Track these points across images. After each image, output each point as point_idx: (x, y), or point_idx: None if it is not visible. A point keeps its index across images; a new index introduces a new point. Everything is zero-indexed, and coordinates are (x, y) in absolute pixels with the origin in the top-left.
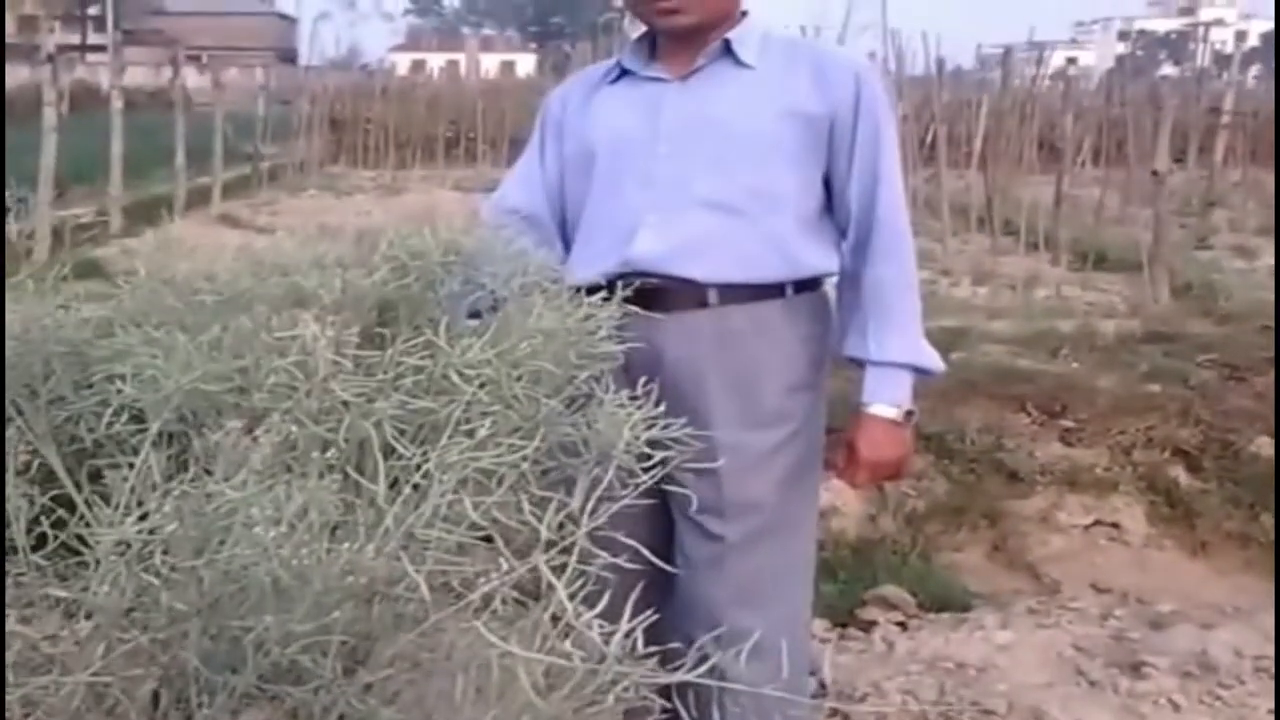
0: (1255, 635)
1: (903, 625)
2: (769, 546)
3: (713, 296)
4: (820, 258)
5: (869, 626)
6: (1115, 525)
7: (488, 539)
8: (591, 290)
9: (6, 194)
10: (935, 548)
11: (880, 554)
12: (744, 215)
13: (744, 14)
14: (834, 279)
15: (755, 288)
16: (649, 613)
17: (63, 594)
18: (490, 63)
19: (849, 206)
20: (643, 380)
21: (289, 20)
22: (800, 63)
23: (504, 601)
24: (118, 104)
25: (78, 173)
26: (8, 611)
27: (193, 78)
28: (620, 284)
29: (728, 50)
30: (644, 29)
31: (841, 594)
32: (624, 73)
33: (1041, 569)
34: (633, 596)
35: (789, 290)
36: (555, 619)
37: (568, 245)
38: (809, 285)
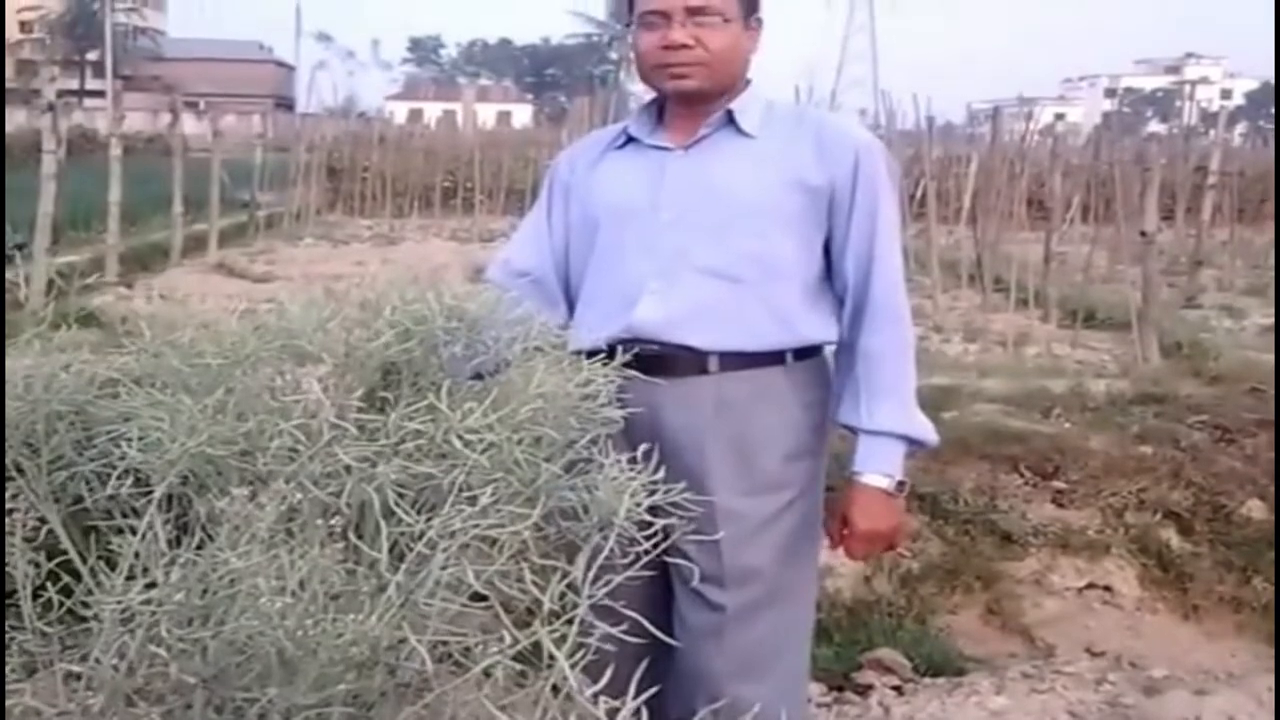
0: (1248, 701)
1: (898, 690)
2: (769, 616)
3: (713, 364)
4: (820, 326)
5: (865, 691)
6: (1108, 588)
7: (489, 605)
8: (593, 355)
9: (6, 241)
10: (930, 610)
11: (876, 616)
12: (744, 283)
13: (747, 83)
14: (833, 346)
15: (756, 355)
16: (651, 690)
17: (69, 667)
18: (487, 113)
19: (846, 277)
20: (643, 447)
21: (287, 68)
22: (803, 133)
23: (506, 672)
24: (116, 152)
25: (74, 219)
26: (14, 681)
27: (190, 124)
28: (621, 349)
29: (730, 120)
30: (652, 95)
31: (838, 657)
32: (630, 139)
33: (1036, 632)
34: (633, 667)
35: (789, 358)
36: (555, 689)
37: (571, 307)
38: (809, 353)
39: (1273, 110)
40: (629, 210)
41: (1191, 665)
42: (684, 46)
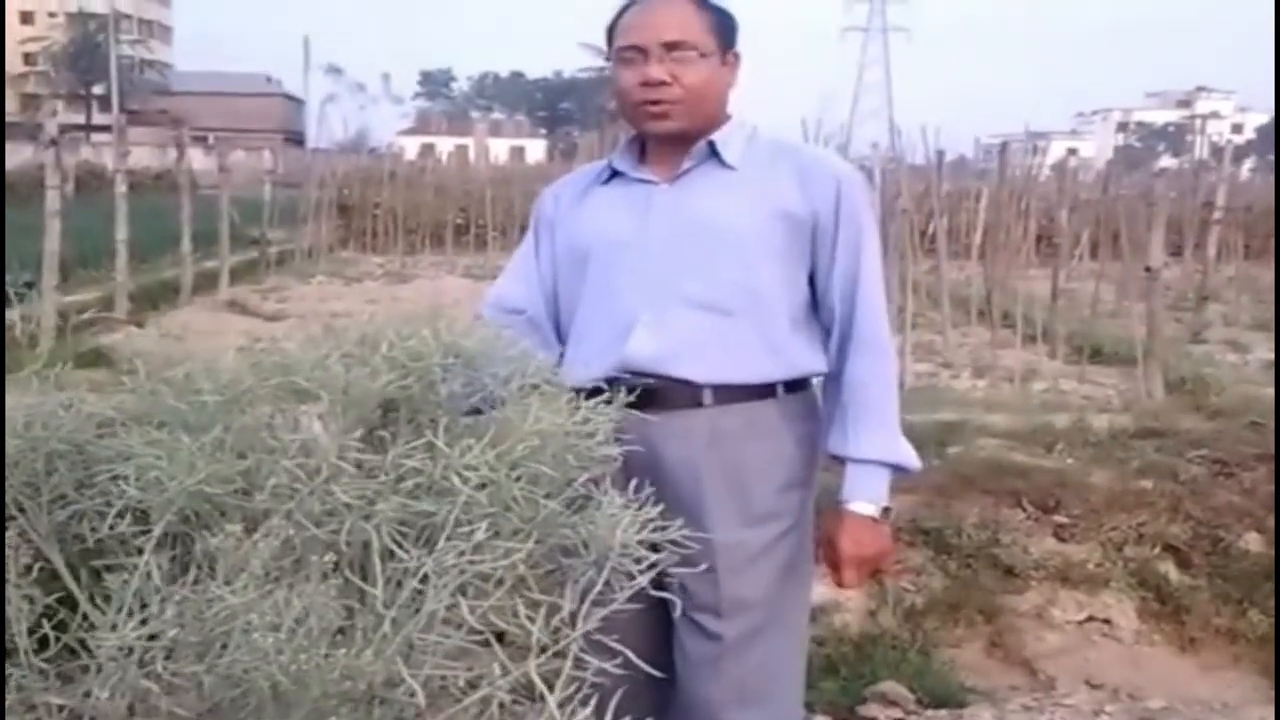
0: None
1: None
2: (765, 644)
3: (707, 397)
4: (809, 357)
5: None
6: (1107, 621)
7: (485, 639)
8: (593, 393)
9: (9, 279)
10: (934, 643)
11: (880, 650)
12: (734, 315)
13: (728, 115)
14: (820, 379)
15: (748, 388)
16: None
17: (65, 702)
18: (499, 147)
19: (831, 307)
20: (634, 483)
21: (296, 102)
22: (783, 164)
23: (500, 705)
24: (122, 188)
25: (82, 257)
26: (13, 716)
27: (198, 159)
28: (621, 390)
29: (713, 152)
30: (634, 131)
31: (843, 690)
32: (615, 173)
33: (1037, 664)
34: (634, 700)
35: (780, 390)
36: None
37: (561, 340)
38: (799, 385)
39: None
40: (618, 244)
41: (1189, 697)
42: (662, 83)
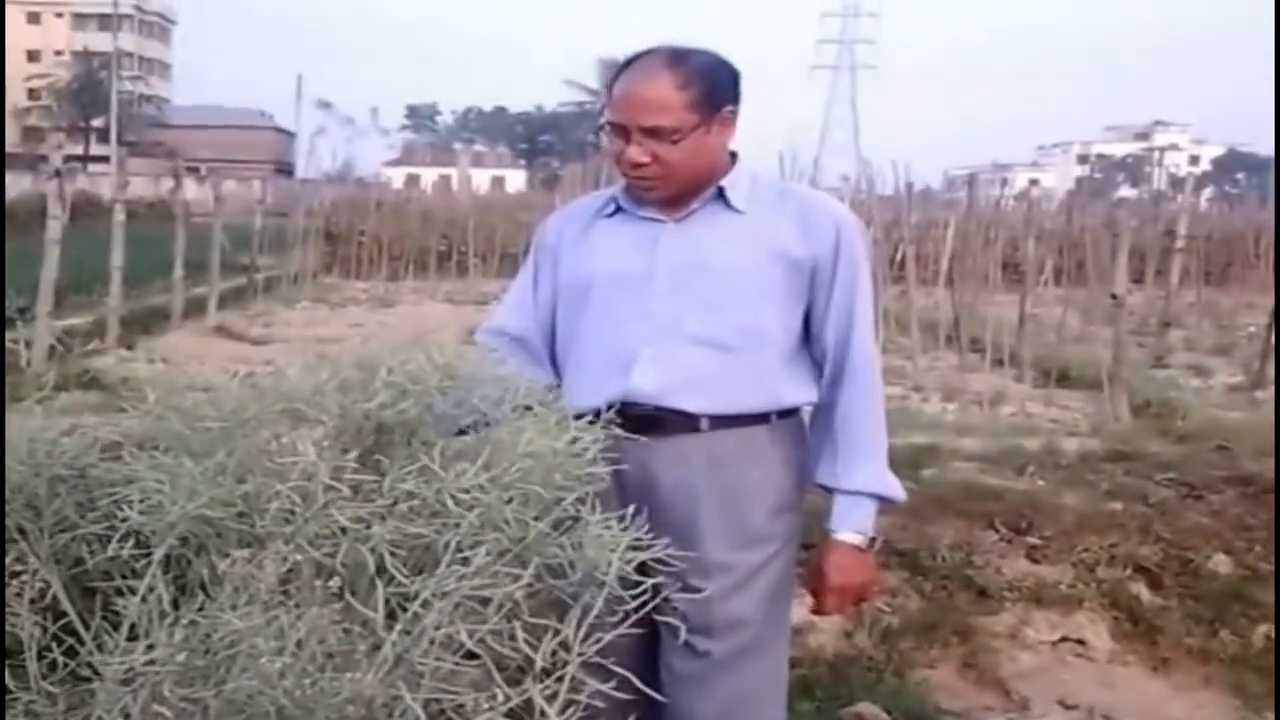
0: None
1: None
2: (751, 666)
3: (704, 424)
4: (799, 391)
5: None
6: (1081, 641)
7: (482, 662)
8: (594, 417)
9: (8, 305)
10: (909, 664)
11: (856, 671)
12: (733, 352)
13: (733, 156)
14: (809, 407)
15: (744, 416)
16: None
17: None
18: (481, 178)
19: (825, 344)
20: (632, 508)
21: (287, 134)
22: (786, 209)
23: None
24: (120, 218)
25: (76, 283)
26: None
27: (191, 189)
28: (614, 411)
29: (720, 195)
30: None
31: (819, 711)
32: (619, 208)
33: (1011, 685)
34: (620, 716)
35: (773, 417)
36: None
37: (556, 369)
38: (789, 413)
39: (1238, 176)
40: (623, 279)
41: (1162, 717)
42: (642, 163)
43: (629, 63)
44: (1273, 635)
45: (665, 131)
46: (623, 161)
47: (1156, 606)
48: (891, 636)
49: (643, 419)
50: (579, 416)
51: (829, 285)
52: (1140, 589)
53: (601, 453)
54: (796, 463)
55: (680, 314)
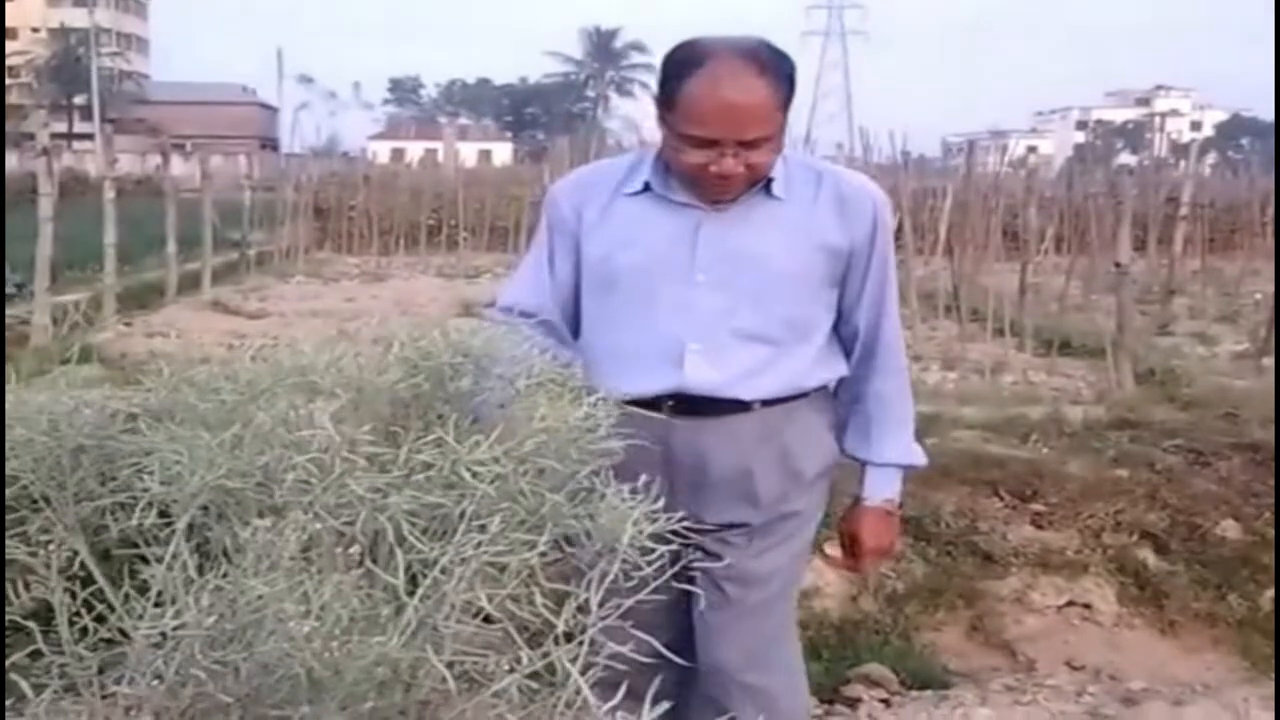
0: (1224, 712)
1: (886, 702)
2: (777, 612)
3: (756, 405)
4: (833, 370)
5: (854, 703)
6: (1087, 605)
7: (503, 627)
8: (648, 404)
9: (6, 281)
10: (915, 627)
11: (862, 634)
12: (780, 345)
13: None
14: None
15: (789, 396)
16: (664, 705)
17: (112, 688)
18: (468, 151)
19: (856, 324)
20: (656, 487)
21: (270, 109)
22: (824, 194)
23: (520, 690)
24: (110, 194)
25: (69, 259)
26: (56, 699)
27: (177, 165)
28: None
29: (765, 183)
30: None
31: (827, 672)
32: (647, 187)
33: (1017, 647)
34: (650, 678)
35: (811, 390)
36: (568, 705)
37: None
38: (822, 386)
39: (1242, 141)
40: (663, 269)
41: (1169, 678)
42: (738, 174)
43: (687, 66)
44: None
45: (765, 139)
46: (709, 173)
47: (1164, 571)
48: (897, 601)
49: (695, 401)
50: (631, 403)
51: (864, 270)
52: (1147, 554)
53: (651, 436)
54: (829, 430)
55: (727, 308)
